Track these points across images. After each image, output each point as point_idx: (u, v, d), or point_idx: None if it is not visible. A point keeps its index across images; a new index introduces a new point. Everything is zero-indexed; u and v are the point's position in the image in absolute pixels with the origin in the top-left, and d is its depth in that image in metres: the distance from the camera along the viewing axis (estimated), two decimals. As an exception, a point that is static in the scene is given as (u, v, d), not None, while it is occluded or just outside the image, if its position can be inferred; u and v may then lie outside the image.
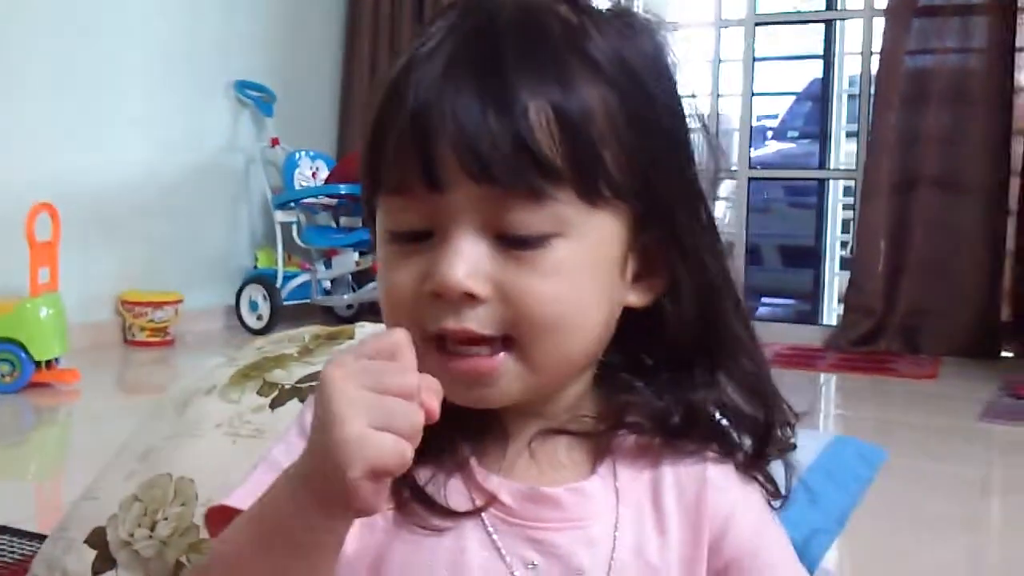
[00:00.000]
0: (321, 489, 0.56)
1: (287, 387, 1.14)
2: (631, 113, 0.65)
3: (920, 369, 3.99)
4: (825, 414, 3.44)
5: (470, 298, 0.62)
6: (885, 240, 4.47)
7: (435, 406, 0.57)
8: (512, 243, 0.63)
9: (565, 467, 0.69)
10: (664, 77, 0.68)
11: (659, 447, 0.70)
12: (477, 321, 0.63)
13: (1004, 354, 4.26)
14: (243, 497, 0.64)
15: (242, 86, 4.91)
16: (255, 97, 4.96)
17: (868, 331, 4.44)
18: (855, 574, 1.82)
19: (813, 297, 5.30)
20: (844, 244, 5.12)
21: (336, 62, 5.52)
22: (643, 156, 0.65)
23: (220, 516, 0.65)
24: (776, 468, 0.73)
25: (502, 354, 0.64)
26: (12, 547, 1.79)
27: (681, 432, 0.70)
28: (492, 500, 0.67)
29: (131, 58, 4.36)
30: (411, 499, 0.66)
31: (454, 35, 0.64)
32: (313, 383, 1.13)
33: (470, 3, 0.67)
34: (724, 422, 0.71)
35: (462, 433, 0.68)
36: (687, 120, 0.70)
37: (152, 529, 1.05)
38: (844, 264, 5.05)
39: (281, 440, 0.69)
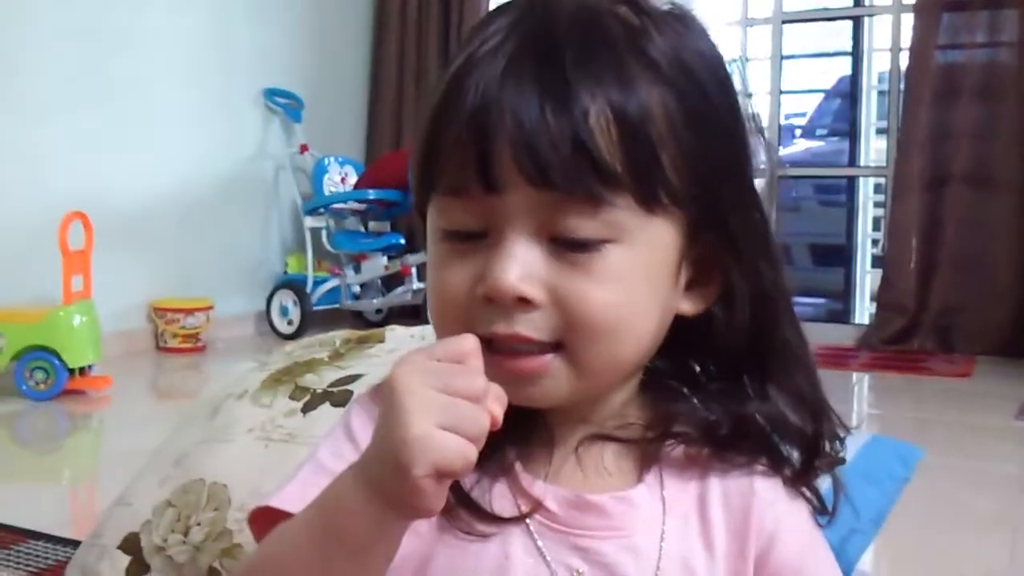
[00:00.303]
0: (383, 488, 0.56)
1: (319, 391, 1.14)
2: (690, 114, 0.64)
3: (954, 367, 3.95)
4: (859, 413, 3.41)
5: (523, 302, 0.62)
6: (917, 237, 4.43)
7: (500, 413, 0.57)
8: (567, 246, 0.62)
9: (611, 474, 0.69)
10: (722, 78, 0.67)
11: (707, 458, 0.69)
12: (528, 326, 0.62)
13: (1040, 352, 4.20)
14: (289, 498, 0.64)
15: (271, 94, 4.94)
16: (284, 104, 4.99)
17: (901, 329, 4.40)
18: (892, 573, 1.80)
19: (845, 296, 5.26)
20: (875, 242, 5.07)
21: (364, 68, 5.54)
22: (701, 159, 0.64)
23: (265, 517, 0.65)
24: (821, 481, 0.72)
25: (550, 355, 0.63)
26: (47, 553, 1.80)
27: (730, 444, 0.69)
28: (537, 506, 0.66)
29: (161, 68, 4.40)
30: (456, 504, 0.65)
31: (514, 35, 0.63)
32: (345, 387, 1.13)
33: (530, 2, 0.66)
34: (773, 435, 0.70)
35: (508, 438, 0.66)
36: (744, 122, 0.69)
37: (186, 534, 1.05)
38: (876, 262, 5.00)
39: (327, 442, 0.69)
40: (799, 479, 0.70)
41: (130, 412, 3.25)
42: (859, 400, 3.65)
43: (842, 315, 5.24)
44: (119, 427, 3.07)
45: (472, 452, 0.55)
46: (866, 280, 5.14)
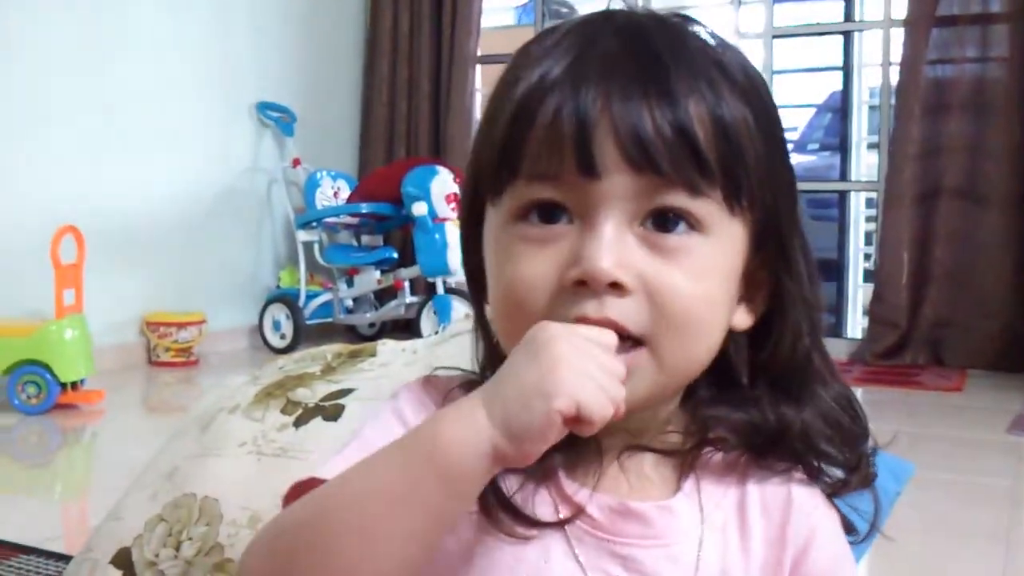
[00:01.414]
0: (507, 417, 0.58)
1: (311, 406, 1.14)
2: (761, 128, 0.66)
3: (946, 382, 3.96)
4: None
5: (616, 288, 0.62)
6: (908, 252, 4.44)
7: (624, 408, 0.60)
8: (660, 227, 0.63)
9: (652, 481, 0.69)
10: (774, 102, 0.70)
11: (745, 465, 0.70)
12: (619, 312, 0.63)
13: (1031, 365, 4.21)
14: (335, 470, 0.64)
15: (263, 107, 4.95)
16: (276, 118, 4.99)
17: (893, 344, 4.41)
18: (884, 588, 1.80)
19: (837, 310, 5.27)
20: (867, 256, 5.09)
21: (356, 82, 5.55)
22: (768, 169, 0.67)
23: (300, 494, 0.65)
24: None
25: (636, 350, 0.64)
26: (38, 568, 1.79)
27: (767, 450, 0.70)
28: (579, 512, 0.67)
29: (154, 82, 4.40)
30: (496, 506, 0.66)
31: (603, 36, 0.65)
32: (337, 401, 1.13)
33: (602, 14, 0.68)
34: (812, 443, 0.70)
35: (554, 444, 0.67)
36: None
37: (177, 549, 1.05)
38: (867, 276, 5.02)
39: (373, 423, 0.70)
40: (835, 490, 0.71)
41: (122, 426, 3.24)
42: (851, 414, 3.65)
43: (834, 329, 5.24)
44: (111, 441, 3.06)
45: (611, 412, 0.58)
46: (858, 294, 5.15)
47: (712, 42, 0.67)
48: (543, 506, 0.67)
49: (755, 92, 0.67)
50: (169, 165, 4.49)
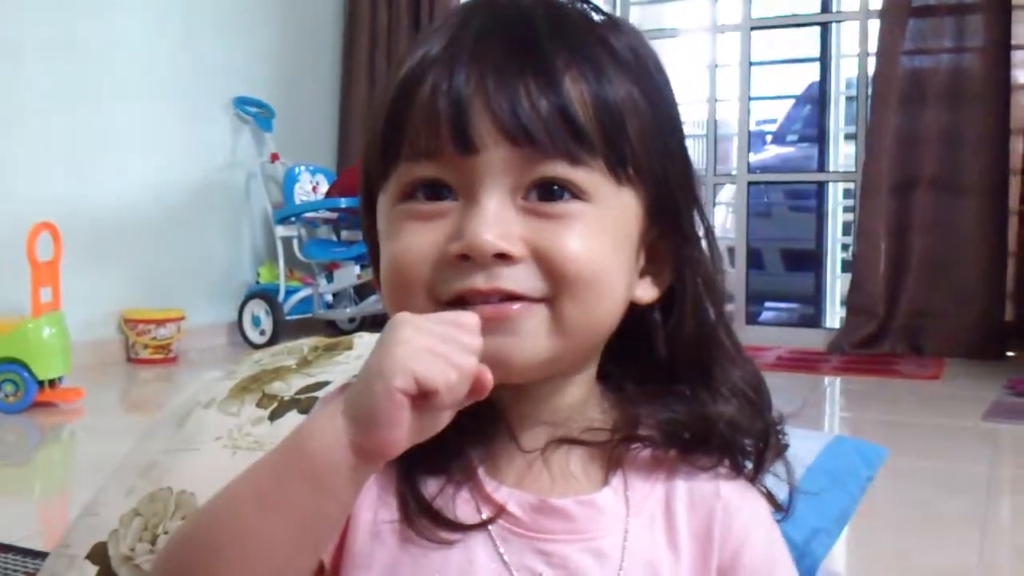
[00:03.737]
0: (358, 405, 0.57)
1: (286, 399, 1.14)
2: (648, 104, 0.67)
3: (924, 370, 3.99)
4: (830, 417, 3.43)
5: (503, 258, 0.62)
6: (886, 242, 4.47)
7: (490, 378, 0.59)
8: (543, 197, 0.64)
9: (577, 479, 0.69)
10: (667, 77, 0.70)
11: (673, 461, 0.70)
12: (511, 280, 0.63)
13: (1008, 354, 4.25)
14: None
15: (241, 102, 4.93)
16: (254, 113, 4.97)
17: (871, 333, 4.44)
18: (864, 574, 1.81)
19: (815, 300, 5.30)
20: (845, 247, 5.11)
21: (335, 76, 5.54)
22: (657, 138, 0.67)
23: None
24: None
25: (531, 303, 0.64)
26: (16, 566, 1.79)
27: (695, 445, 0.70)
28: (500, 511, 0.67)
29: (130, 76, 4.38)
30: (418, 511, 0.66)
31: (478, 15, 0.66)
32: (312, 394, 1.13)
33: None
34: (735, 435, 0.71)
35: (472, 443, 0.68)
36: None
37: (153, 543, 1.04)
38: (846, 267, 5.05)
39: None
40: (756, 470, 0.71)
41: (101, 424, 3.22)
42: (830, 403, 3.68)
43: (813, 319, 5.28)
44: (90, 439, 3.05)
45: (455, 378, 0.57)
46: (836, 284, 5.18)
47: (597, 18, 0.68)
48: (465, 507, 0.67)
49: (643, 69, 0.68)
50: (146, 161, 4.47)
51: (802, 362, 4.22)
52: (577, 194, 0.64)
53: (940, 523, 2.06)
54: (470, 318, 0.60)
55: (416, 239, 0.65)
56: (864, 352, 4.38)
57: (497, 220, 0.63)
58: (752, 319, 5.25)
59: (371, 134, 0.69)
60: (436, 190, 0.65)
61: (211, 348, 4.64)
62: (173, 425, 1.19)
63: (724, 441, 0.70)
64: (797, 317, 5.86)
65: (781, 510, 0.73)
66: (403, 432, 0.57)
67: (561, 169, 0.63)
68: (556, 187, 0.64)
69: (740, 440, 0.71)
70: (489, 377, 0.59)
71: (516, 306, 0.63)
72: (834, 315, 5.13)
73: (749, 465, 0.71)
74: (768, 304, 6.07)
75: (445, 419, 0.59)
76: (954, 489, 2.32)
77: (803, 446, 1.16)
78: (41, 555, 1.75)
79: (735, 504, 0.69)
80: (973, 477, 2.44)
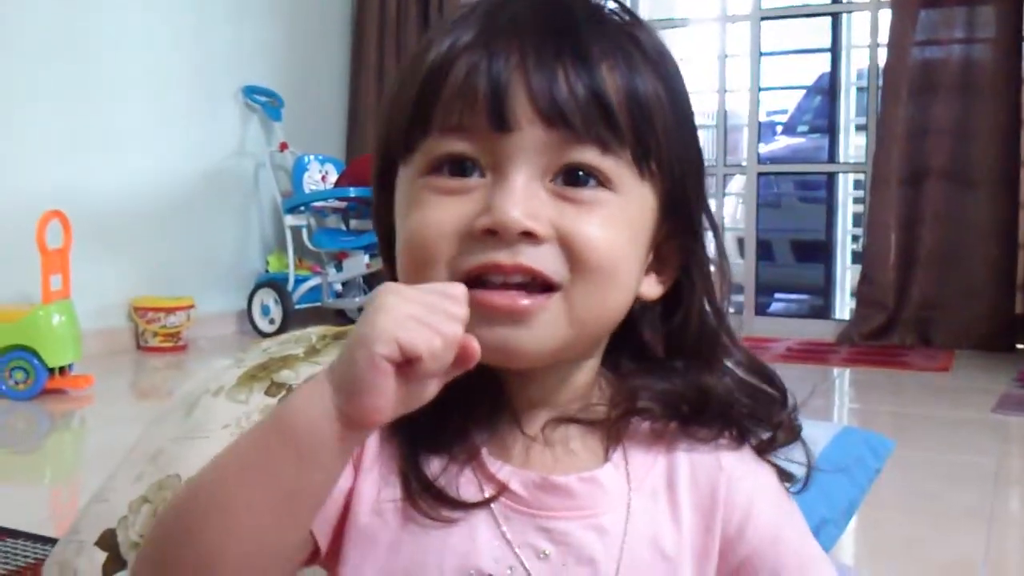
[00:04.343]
0: (342, 374, 0.57)
1: (294, 387, 1.14)
2: (673, 103, 0.68)
3: (933, 362, 3.98)
4: (839, 408, 3.43)
5: (528, 236, 0.63)
6: (896, 233, 4.46)
7: (477, 347, 0.59)
8: (570, 182, 0.64)
9: (578, 455, 0.69)
10: (685, 83, 0.71)
11: (673, 433, 0.70)
12: (534, 259, 0.63)
13: (1018, 346, 4.24)
14: None
15: (250, 91, 4.93)
16: (263, 102, 4.98)
17: (881, 325, 4.43)
18: (872, 565, 1.81)
19: (825, 292, 5.29)
20: (855, 238, 5.10)
21: (344, 65, 5.53)
22: (678, 138, 0.68)
23: None
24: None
25: (544, 295, 0.64)
26: (26, 551, 1.80)
27: (694, 417, 0.70)
28: (503, 489, 0.67)
29: (140, 66, 4.38)
30: (420, 490, 0.66)
31: (512, 5, 0.66)
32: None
33: None
34: (734, 406, 0.71)
35: (475, 423, 0.68)
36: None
37: (162, 530, 1.05)
38: (856, 258, 5.03)
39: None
40: (763, 448, 0.72)
41: (111, 411, 3.24)
42: (839, 394, 3.68)
43: (822, 311, 5.27)
44: (100, 426, 3.06)
45: (439, 345, 0.57)
46: (846, 276, 5.17)
47: (626, 17, 0.69)
48: (467, 486, 0.67)
49: (667, 70, 0.69)
50: (155, 150, 4.47)
51: (811, 353, 4.21)
52: (603, 182, 0.65)
53: (948, 515, 2.05)
54: (457, 288, 0.60)
55: (439, 213, 0.65)
56: (874, 343, 4.37)
57: (526, 198, 0.63)
58: (761, 310, 5.24)
59: (394, 112, 0.69)
60: (462, 167, 0.65)
61: (220, 337, 4.65)
62: (182, 413, 1.19)
63: (722, 411, 0.70)
64: (807, 308, 5.85)
65: (791, 479, 0.73)
66: (387, 400, 0.57)
67: (591, 156, 0.64)
68: (582, 173, 0.65)
69: (739, 411, 0.71)
70: (476, 346, 0.59)
71: (527, 301, 0.63)
72: (844, 306, 5.11)
73: (755, 437, 0.72)
74: (778, 295, 6.06)
75: (432, 389, 0.59)
76: (963, 481, 2.32)
77: (811, 436, 1.16)
78: (51, 541, 1.75)
79: (738, 474, 0.70)
80: (982, 469, 2.43)
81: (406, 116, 0.67)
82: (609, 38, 0.66)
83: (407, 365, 0.56)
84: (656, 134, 0.66)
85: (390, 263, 0.72)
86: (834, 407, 3.39)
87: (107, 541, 1.08)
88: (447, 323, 0.57)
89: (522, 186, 0.63)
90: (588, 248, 0.64)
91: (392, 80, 0.71)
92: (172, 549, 0.61)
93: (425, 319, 0.57)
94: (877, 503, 2.00)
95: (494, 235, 0.63)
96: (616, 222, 0.65)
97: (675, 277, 0.72)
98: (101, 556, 1.08)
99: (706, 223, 0.72)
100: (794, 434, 0.73)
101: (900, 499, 2.13)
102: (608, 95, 0.64)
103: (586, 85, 0.63)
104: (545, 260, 0.63)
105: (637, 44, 0.67)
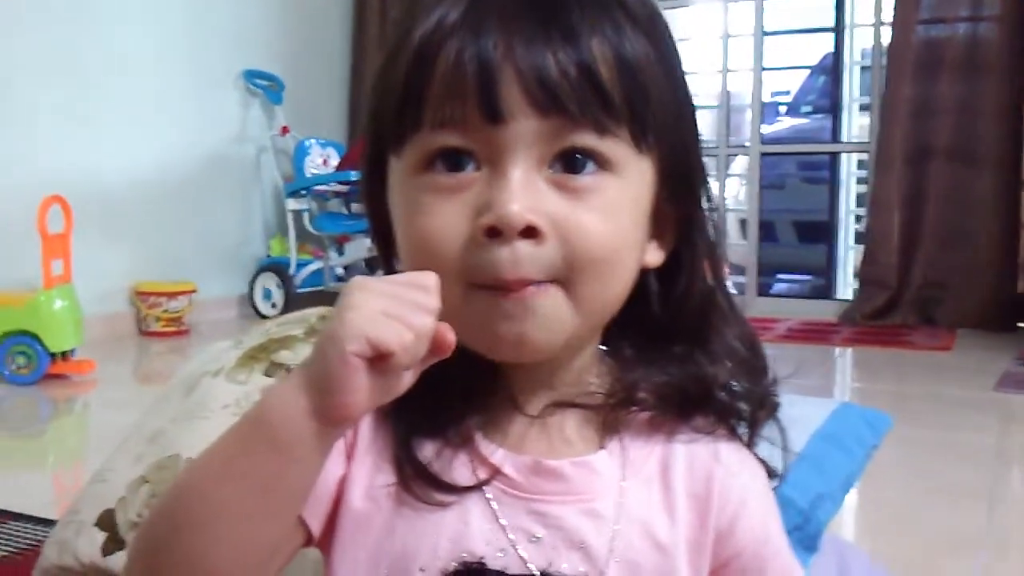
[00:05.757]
0: (315, 372, 0.57)
1: (294, 368, 1.14)
2: (664, 64, 0.67)
3: (935, 341, 3.98)
4: (841, 387, 3.43)
5: (530, 232, 0.62)
6: (899, 213, 4.45)
7: (451, 337, 0.58)
8: (569, 168, 0.63)
9: (574, 442, 0.69)
10: (676, 46, 0.70)
11: (670, 424, 0.70)
12: (535, 265, 0.62)
13: (1020, 325, 4.23)
14: None
15: (251, 75, 4.92)
16: (264, 86, 4.97)
17: (883, 304, 4.42)
18: (873, 542, 1.81)
19: (828, 272, 5.28)
20: (859, 218, 5.09)
21: (345, 49, 5.52)
22: (672, 106, 0.67)
23: None
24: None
25: (551, 286, 0.63)
26: (29, 535, 1.80)
27: (691, 410, 0.70)
28: (496, 473, 0.67)
29: (141, 50, 4.37)
30: (413, 475, 0.66)
31: None
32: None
33: None
34: (730, 398, 0.71)
35: (471, 407, 0.68)
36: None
37: (161, 510, 1.05)
38: (859, 238, 5.03)
39: None
40: (750, 431, 0.72)
41: (113, 396, 3.24)
42: (842, 374, 3.68)
43: (825, 291, 5.26)
44: (102, 411, 3.06)
45: (410, 339, 0.56)
46: (849, 256, 5.16)
47: None
48: (461, 470, 0.67)
49: (656, 29, 0.67)
50: (157, 134, 4.47)
51: (814, 333, 4.21)
52: (602, 165, 0.64)
53: (950, 493, 2.05)
54: (428, 278, 0.59)
55: (441, 216, 0.63)
56: (876, 323, 4.37)
57: (525, 191, 0.62)
58: (764, 291, 5.23)
59: (382, 99, 0.67)
60: (456, 159, 0.64)
61: (222, 321, 4.66)
62: (181, 393, 1.20)
63: (721, 403, 0.70)
64: (809, 289, 5.84)
65: (773, 476, 0.73)
66: (361, 396, 0.56)
67: (589, 139, 0.63)
68: (580, 156, 0.63)
69: (736, 402, 0.71)
70: (451, 337, 0.58)
71: (537, 289, 0.63)
72: (846, 287, 5.11)
73: (744, 429, 0.71)
74: (780, 276, 6.05)
75: (408, 380, 0.59)
76: (965, 459, 2.32)
77: (810, 412, 1.16)
78: (53, 524, 1.76)
79: (735, 468, 0.70)
80: (984, 447, 2.43)
81: (395, 107, 0.65)
82: (596, 7, 0.64)
83: (380, 360, 0.56)
84: (651, 103, 0.65)
85: (386, 255, 0.72)
86: (836, 386, 3.39)
87: (106, 521, 1.08)
88: (418, 315, 0.57)
89: (520, 179, 0.62)
90: (588, 242, 0.63)
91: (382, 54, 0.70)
92: (163, 549, 0.61)
93: (395, 312, 0.56)
94: (879, 481, 2.00)
95: (496, 234, 0.62)
96: (616, 208, 0.64)
97: (675, 240, 0.70)
98: (100, 536, 1.08)
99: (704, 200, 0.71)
100: (773, 411, 0.72)
101: (902, 477, 2.13)
102: (600, 72, 0.62)
103: (577, 66, 0.61)
104: (544, 262, 0.62)
105: (624, 8, 0.65)
